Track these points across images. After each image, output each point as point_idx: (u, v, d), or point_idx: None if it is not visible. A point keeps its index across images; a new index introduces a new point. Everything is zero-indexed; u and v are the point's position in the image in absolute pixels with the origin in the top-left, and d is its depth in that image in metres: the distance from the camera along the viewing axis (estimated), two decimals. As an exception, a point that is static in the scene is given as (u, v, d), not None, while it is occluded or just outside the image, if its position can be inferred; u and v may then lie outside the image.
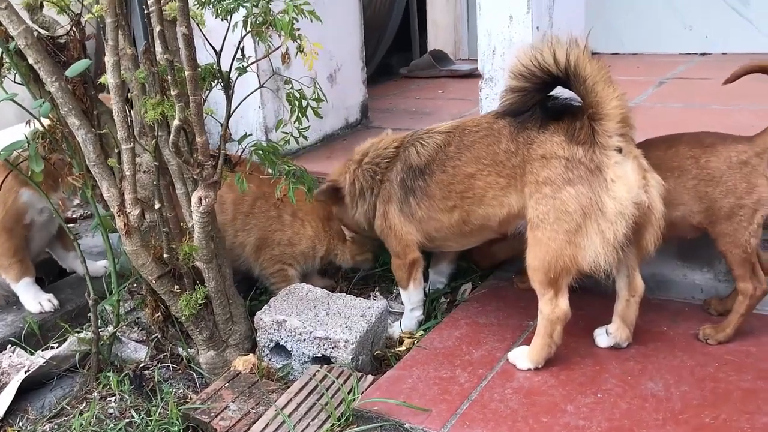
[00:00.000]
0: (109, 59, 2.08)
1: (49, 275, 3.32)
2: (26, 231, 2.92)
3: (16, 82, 2.60)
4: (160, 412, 2.35)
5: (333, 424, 2.13)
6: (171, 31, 2.24)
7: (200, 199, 2.27)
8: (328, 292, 2.68)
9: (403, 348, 2.57)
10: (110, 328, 2.69)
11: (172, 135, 2.07)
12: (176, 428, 2.26)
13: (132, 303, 2.80)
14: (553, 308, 2.14)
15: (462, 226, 2.39)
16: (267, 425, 2.15)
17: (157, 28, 1.94)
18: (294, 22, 1.90)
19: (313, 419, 2.17)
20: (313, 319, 2.48)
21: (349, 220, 2.76)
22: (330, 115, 3.95)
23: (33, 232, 2.97)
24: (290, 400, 2.24)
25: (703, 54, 5.58)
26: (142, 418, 2.34)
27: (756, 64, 2.26)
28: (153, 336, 2.73)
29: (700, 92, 4.31)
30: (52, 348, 2.75)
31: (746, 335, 2.31)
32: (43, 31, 2.45)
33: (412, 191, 2.45)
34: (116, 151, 2.47)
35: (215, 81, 2.30)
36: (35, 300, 2.97)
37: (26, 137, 2.44)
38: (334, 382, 2.29)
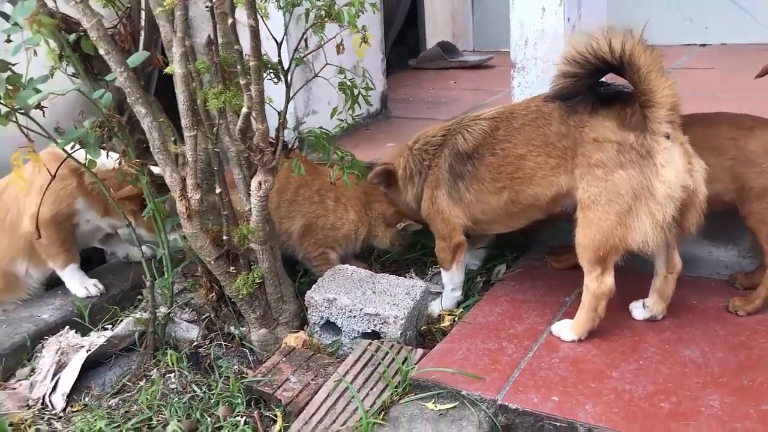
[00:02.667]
0: (176, 50, 2.19)
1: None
2: (73, 228, 3.05)
3: (67, 74, 2.72)
4: (220, 386, 2.47)
5: (392, 393, 2.26)
6: (226, 23, 2.37)
7: (260, 183, 2.39)
8: (372, 272, 2.81)
9: (447, 324, 2.71)
10: (163, 309, 2.81)
11: (240, 122, 2.19)
12: (239, 400, 2.38)
13: (180, 285, 2.91)
14: (599, 284, 2.28)
15: (510, 207, 2.52)
16: (329, 395, 2.28)
17: (229, 21, 2.06)
18: (360, 14, 2.02)
19: (372, 388, 2.30)
20: (362, 297, 2.61)
21: (402, 203, 2.90)
22: (354, 105, 4.07)
23: (78, 231, 3.09)
24: (347, 372, 2.37)
25: (703, 45, 5.75)
26: (204, 392, 2.47)
27: None
28: (204, 316, 2.84)
29: (706, 81, 4.47)
30: (103, 330, 2.87)
31: (773, 306, 2.48)
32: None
33: (460, 176, 2.58)
34: (172, 139, 2.59)
35: (267, 72, 2.42)
36: (81, 285, 3.08)
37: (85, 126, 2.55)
38: (387, 353, 2.42)
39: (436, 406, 2.18)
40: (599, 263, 2.28)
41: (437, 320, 2.78)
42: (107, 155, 2.74)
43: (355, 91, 2.45)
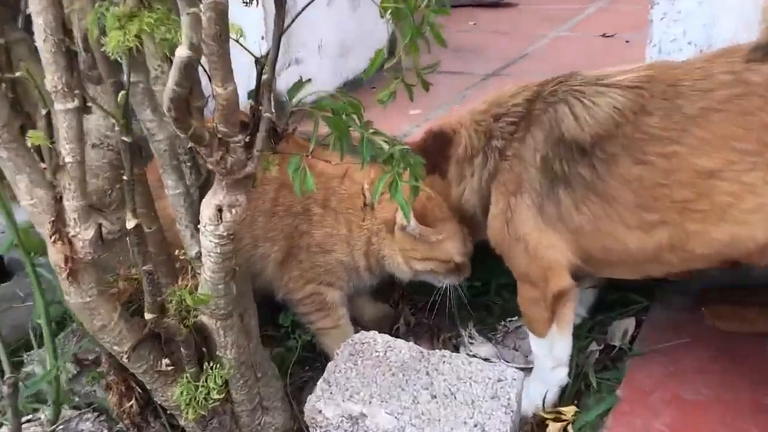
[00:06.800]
0: None
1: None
2: None
3: None
4: None
5: None
6: None
7: (219, 210, 1.14)
8: (419, 348, 1.59)
9: (560, 443, 1.53)
10: (46, 413, 1.57)
11: (172, 79, 0.92)
12: None
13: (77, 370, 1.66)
14: None
15: (667, 254, 1.36)
16: None
17: None
18: None
19: None
20: (413, 409, 1.41)
21: (455, 198, 1.69)
22: (353, 53, 2.81)
23: None
24: None
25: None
26: None
27: None
28: (118, 427, 1.60)
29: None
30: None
31: None
32: None
33: (564, 180, 1.44)
34: (43, 113, 1.30)
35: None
36: None
37: None
38: None
39: None
40: None
41: (532, 425, 1.60)
42: None
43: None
